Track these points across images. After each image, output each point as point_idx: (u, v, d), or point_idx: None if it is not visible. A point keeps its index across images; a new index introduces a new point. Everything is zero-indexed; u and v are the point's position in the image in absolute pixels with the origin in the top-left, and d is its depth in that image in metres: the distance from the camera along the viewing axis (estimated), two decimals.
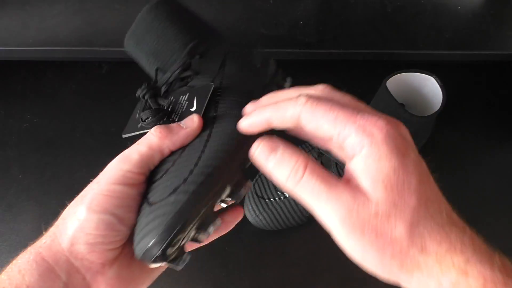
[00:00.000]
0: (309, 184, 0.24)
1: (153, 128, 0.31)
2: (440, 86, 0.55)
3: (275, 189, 0.55)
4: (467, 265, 0.22)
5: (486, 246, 0.24)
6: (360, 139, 0.24)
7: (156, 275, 0.34)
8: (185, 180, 0.29)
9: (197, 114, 0.32)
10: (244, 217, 0.55)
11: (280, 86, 0.39)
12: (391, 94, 0.51)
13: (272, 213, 0.54)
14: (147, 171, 0.31)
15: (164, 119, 0.34)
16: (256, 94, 0.35)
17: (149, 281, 0.34)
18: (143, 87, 0.36)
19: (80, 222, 0.28)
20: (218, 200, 0.30)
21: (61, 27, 0.57)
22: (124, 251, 0.31)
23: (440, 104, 0.54)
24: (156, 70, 0.37)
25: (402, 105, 0.57)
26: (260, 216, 0.54)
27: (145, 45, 0.37)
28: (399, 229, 0.23)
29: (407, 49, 0.59)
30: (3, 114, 0.65)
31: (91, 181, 0.30)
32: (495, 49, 0.59)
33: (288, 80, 0.39)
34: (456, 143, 0.62)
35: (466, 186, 0.60)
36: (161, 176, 0.30)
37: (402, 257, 0.23)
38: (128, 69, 0.69)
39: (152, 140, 0.31)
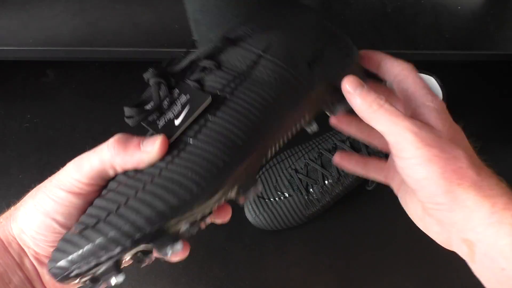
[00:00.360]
0: (389, 110, 0.29)
1: (110, 140, 0.28)
2: (440, 86, 0.55)
3: (275, 189, 0.55)
4: None
5: None
6: (432, 101, 0.30)
7: None
8: (98, 221, 0.25)
9: (162, 139, 0.27)
10: (244, 217, 0.55)
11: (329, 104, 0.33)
12: None
13: (272, 213, 0.54)
14: (101, 182, 0.29)
15: (154, 117, 0.29)
16: (274, 116, 0.28)
17: None
18: (151, 70, 0.29)
19: (26, 216, 0.29)
20: (128, 253, 0.26)
21: (61, 27, 0.57)
22: None
23: None
24: (192, 43, 0.32)
25: None
26: (260, 216, 0.54)
27: (190, 7, 0.30)
28: (459, 151, 0.28)
29: (407, 49, 0.59)
30: (3, 114, 0.65)
31: (55, 172, 0.29)
32: (495, 49, 0.59)
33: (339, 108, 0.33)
34: None
35: None
36: (103, 195, 0.28)
37: (462, 173, 0.27)
38: (127, 69, 0.69)
39: (104, 155, 0.28)
